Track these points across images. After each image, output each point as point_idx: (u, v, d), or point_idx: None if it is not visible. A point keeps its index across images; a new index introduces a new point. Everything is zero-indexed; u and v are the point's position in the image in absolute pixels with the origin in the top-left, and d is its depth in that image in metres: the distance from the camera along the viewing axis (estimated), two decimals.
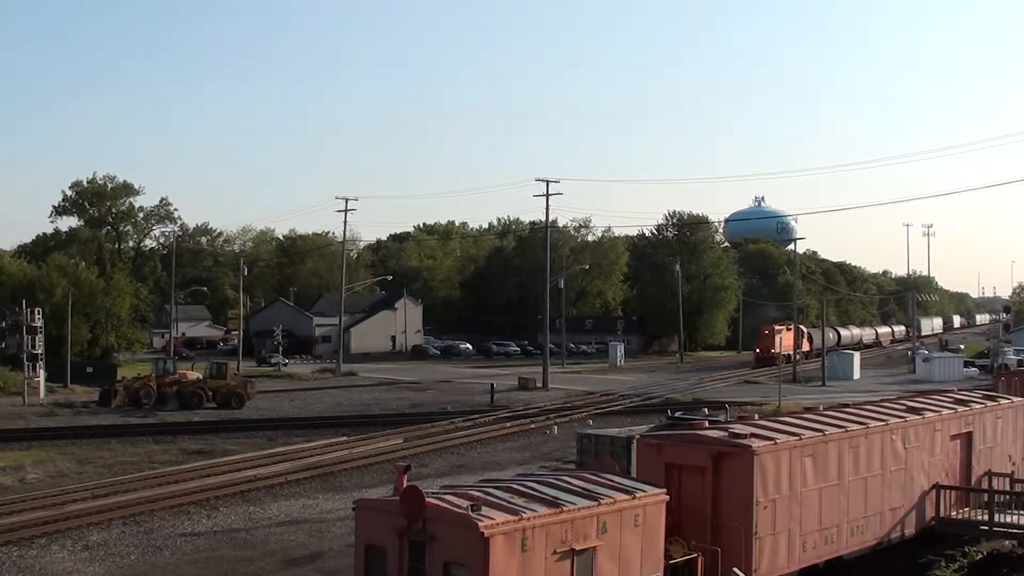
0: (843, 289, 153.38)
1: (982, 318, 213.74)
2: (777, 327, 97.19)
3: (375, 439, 46.07)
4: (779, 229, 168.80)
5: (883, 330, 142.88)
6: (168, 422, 52.99)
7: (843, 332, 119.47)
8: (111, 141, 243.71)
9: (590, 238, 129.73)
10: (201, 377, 63.00)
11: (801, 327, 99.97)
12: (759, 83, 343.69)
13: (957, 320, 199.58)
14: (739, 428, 21.56)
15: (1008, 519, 24.74)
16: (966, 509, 25.36)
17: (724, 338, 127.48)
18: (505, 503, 16.36)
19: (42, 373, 65.68)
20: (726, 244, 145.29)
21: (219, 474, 36.82)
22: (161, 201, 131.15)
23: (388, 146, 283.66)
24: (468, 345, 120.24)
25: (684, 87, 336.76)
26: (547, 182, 77.17)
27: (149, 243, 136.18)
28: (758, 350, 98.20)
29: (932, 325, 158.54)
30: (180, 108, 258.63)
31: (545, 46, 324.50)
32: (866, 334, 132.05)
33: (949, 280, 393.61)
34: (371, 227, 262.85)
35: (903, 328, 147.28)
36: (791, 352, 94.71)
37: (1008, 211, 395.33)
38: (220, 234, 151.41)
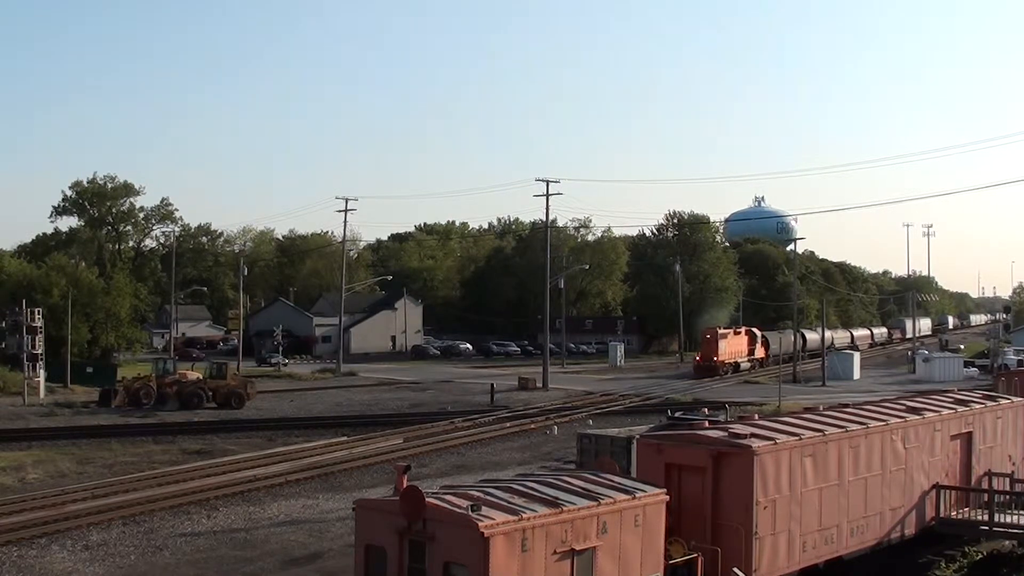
0: (843, 289, 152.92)
1: (977, 318, 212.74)
2: (722, 331, 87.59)
3: (375, 439, 46.09)
4: (779, 229, 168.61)
5: (860, 333, 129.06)
6: (168, 422, 52.97)
7: (810, 336, 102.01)
8: (111, 141, 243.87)
9: (590, 238, 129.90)
10: (201, 377, 63.04)
11: (754, 331, 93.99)
12: (759, 83, 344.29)
13: (951, 321, 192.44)
14: (739, 428, 21.57)
15: (1008, 519, 24.76)
16: (966, 509, 25.38)
17: None
18: (505, 503, 16.35)
19: (42, 373, 65.68)
20: (726, 244, 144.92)
21: (219, 474, 36.85)
22: (162, 201, 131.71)
23: (388, 146, 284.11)
24: (468, 345, 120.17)
25: (684, 87, 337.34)
26: (547, 182, 77.28)
27: (149, 243, 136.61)
28: (698, 358, 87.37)
29: (919, 326, 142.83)
30: (181, 108, 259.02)
31: (545, 46, 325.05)
32: (839, 337, 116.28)
33: (949, 280, 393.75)
34: (371, 227, 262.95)
35: (884, 331, 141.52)
36: (740, 360, 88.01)
37: (1008, 211, 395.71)
38: (220, 234, 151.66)
